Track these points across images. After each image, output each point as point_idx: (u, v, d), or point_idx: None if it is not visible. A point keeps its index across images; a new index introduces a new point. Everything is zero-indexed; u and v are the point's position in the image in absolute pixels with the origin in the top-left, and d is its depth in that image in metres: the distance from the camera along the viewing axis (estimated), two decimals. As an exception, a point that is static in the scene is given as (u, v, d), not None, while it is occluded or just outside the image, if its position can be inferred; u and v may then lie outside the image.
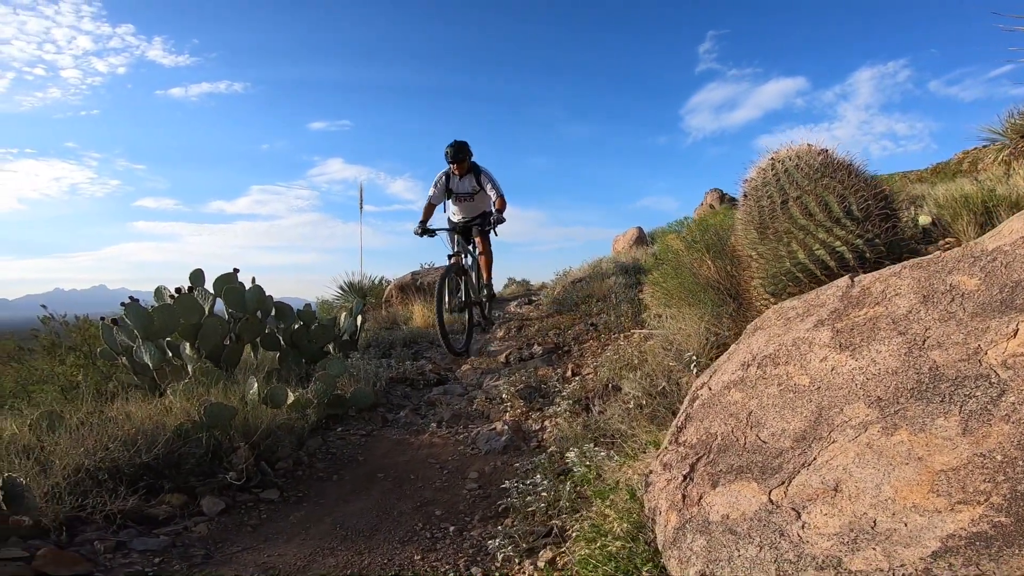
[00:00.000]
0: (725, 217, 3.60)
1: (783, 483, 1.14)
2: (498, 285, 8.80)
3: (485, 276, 5.74)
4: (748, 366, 1.50)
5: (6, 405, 3.38)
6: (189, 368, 3.53)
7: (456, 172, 5.53)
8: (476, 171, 5.54)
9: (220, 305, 3.93)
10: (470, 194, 5.63)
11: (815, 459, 1.13)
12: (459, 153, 5.39)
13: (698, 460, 1.38)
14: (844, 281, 1.57)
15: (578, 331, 4.51)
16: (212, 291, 3.85)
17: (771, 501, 1.12)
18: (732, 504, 1.19)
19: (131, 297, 3.47)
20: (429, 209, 5.59)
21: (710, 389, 1.59)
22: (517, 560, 2.06)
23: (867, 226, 2.17)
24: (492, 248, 5.78)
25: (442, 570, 2.09)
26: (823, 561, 0.96)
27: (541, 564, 1.99)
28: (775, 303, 2.44)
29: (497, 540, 2.15)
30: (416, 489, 2.80)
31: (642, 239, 9.45)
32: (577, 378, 3.67)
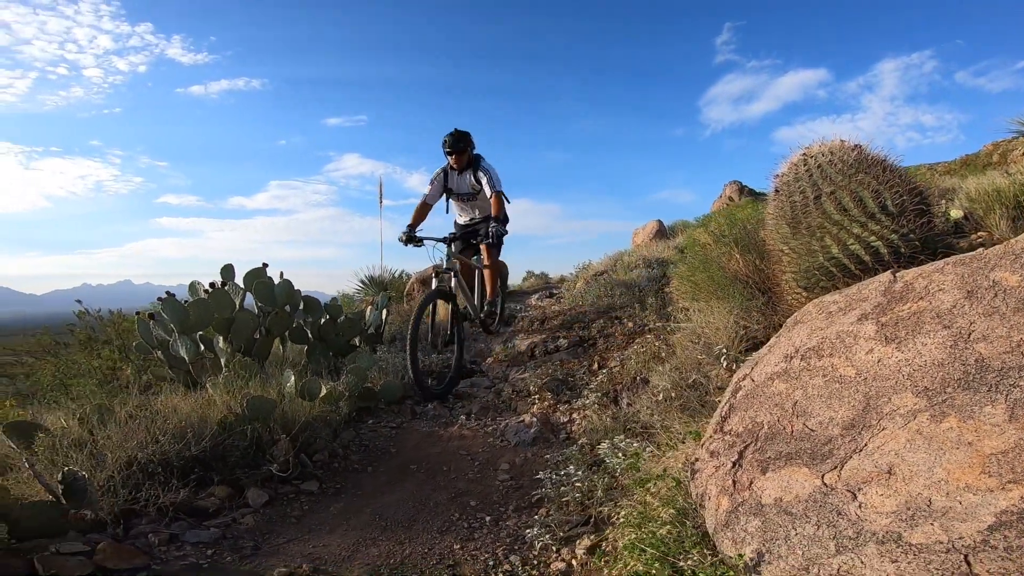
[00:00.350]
0: (754, 210, 3.65)
1: (835, 467, 1.23)
2: (516, 277, 8.71)
3: (489, 291, 5.03)
4: (791, 358, 1.58)
5: (46, 398, 3.52)
6: (222, 361, 3.66)
7: (455, 166, 4.86)
8: (476, 165, 4.86)
9: (248, 299, 4.05)
10: (471, 194, 4.96)
11: (866, 445, 1.22)
12: (458, 143, 4.70)
13: (746, 448, 1.47)
14: (886, 276, 1.64)
15: (603, 324, 4.58)
16: (242, 285, 3.98)
17: (825, 484, 1.21)
18: (784, 488, 1.29)
19: (168, 292, 3.60)
20: (422, 210, 4.86)
21: (753, 380, 1.67)
22: (555, 548, 2.15)
23: (902, 221, 2.23)
24: (500, 258, 5.10)
25: (482, 559, 2.18)
26: (883, 536, 1.05)
27: (580, 552, 2.07)
28: (807, 297, 2.51)
29: (535, 529, 2.24)
30: (449, 480, 2.90)
31: (662, 232, 9.47)
32: (604, 371, 3.76)
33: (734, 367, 3.03)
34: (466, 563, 2.17)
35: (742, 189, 10.17)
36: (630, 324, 4.38)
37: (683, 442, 2.07)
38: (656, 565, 1.44)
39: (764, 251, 2.92)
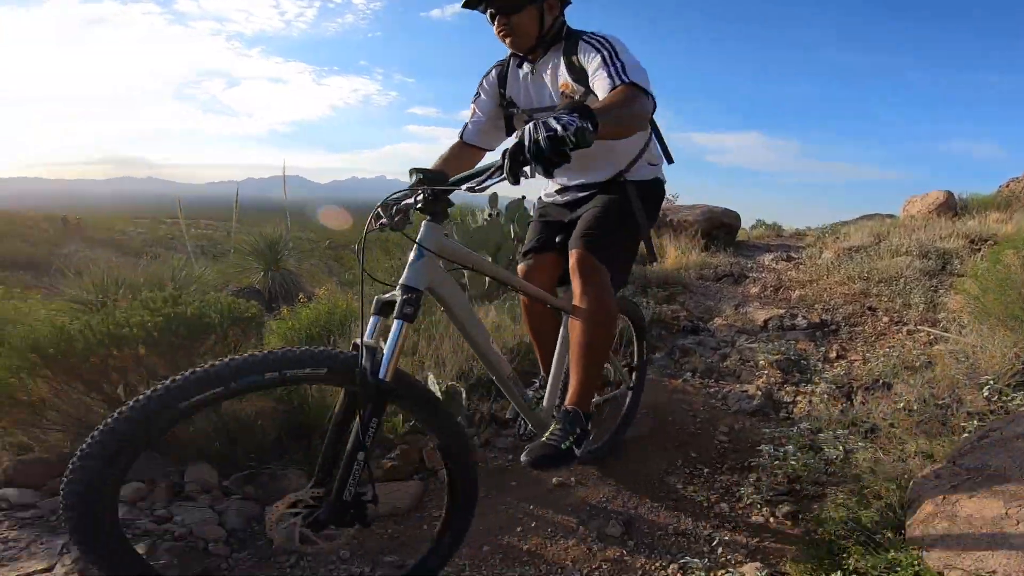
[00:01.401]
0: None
1: (1020, 507, 1.80)
2: (745, 225, 7.83)
3: (574, 385, 2.27)
4: (1047, 427, 2.00)
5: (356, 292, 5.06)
6: (485, 280, 4.86)
7: (516, 50, 2.32)
8: (570, 44, 2.21)
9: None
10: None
11: (1052, 498, 1.76)
12: None
13: (966, 480, 2.02)
14: None
15: (851, 312, 4.71)
16: (504, 214, 5.08)
17: (1006, 514, 1.82)
18: (978, 509, 1.89)
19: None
20: (455, 158, 2.46)
21: (1002, 434, 2.11)
22: (758, 507, 2.82)
23: None
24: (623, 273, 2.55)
25: (697, 500, 2.91)
26: (1017, 545, 1.71)
27: (779, 514, 2.73)
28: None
29: (746, 488, 2.93)
30: (675, 430, 3.55)
31: (950, 206, 8.00)
32: (843, 362, 4.08)
33: (995, 398, 3.21)
34: (685, 500, 2.96)
35: (1090, 153, 7.96)
36: (885, 319, 4.46)
37: (913, 457, 2.54)
38: (856, 535, 2.10)
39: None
